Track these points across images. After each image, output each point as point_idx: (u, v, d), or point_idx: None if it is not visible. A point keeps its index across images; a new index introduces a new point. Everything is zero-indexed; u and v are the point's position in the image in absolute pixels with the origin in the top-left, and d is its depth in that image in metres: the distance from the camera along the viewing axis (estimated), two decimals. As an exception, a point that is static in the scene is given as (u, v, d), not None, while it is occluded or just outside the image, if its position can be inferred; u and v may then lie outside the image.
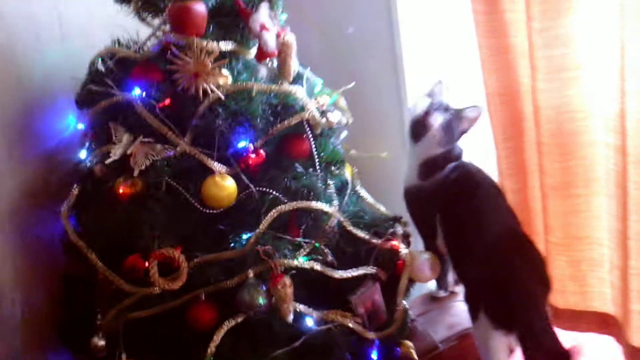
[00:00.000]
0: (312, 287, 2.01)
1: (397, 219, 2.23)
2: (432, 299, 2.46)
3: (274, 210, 1.95)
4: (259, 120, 1.96)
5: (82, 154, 2.12)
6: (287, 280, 1.89)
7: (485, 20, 2.08)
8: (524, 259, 1.99)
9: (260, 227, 1.93)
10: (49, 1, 2.24)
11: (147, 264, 1.86)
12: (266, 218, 1.94)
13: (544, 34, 1.96)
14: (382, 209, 2.32)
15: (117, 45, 2.13)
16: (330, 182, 2.13)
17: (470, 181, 2.12)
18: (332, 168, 2.15)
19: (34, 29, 2.19)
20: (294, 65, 2.09)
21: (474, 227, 2.04)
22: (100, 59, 2.11)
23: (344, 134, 2.27)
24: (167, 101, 1.95)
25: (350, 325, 2.02)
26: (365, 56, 2.63)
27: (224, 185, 1.92)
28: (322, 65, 2.47)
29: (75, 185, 2.07)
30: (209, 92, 1.90)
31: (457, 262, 2.15)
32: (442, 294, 2.45)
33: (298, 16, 2.30)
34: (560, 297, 2.21)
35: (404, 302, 2.19)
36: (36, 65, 2.20)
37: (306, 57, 2.24)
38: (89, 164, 2.07)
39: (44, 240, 2.18)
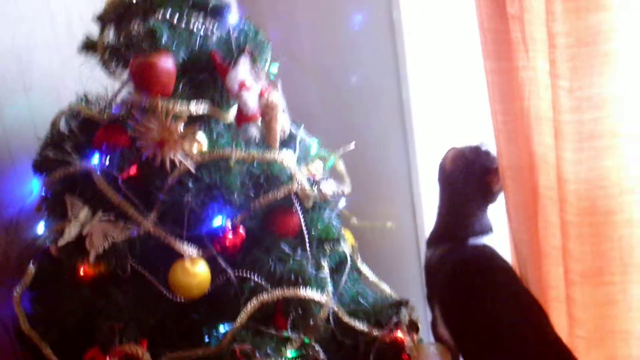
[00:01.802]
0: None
1: (402, 303, 1.94)
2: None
3: (255, 300, 1.70)
4: (236, 194, 1.70)
5: (40, 228, 1.88)
6: (269, 384, 1.62)
7: (499, 80, 1.80)
8: None
9: (239, 319, 1.69)
10: (10, 45, 2.00)
11: (107, 359, 1.63)
12: (246, 308, 1.69)
13: (574, 94, 1.67)
14: (387, 289, 2.07)
15: (83, 102, 1.90)
16: (323, 262, 1.85)
17: (479, 266, 1.87)
18: (326, 247, 1.88)
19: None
20: (284, 126, 1.84)
21: (486, 325, 1.80)
22: (63, 118, 1.86)
23: (343, 202, 2.00)
24: (133, 171, 1.69)
25: None
26: (369, 110, 2.38)
27: (194, 272, 1.67)
28: (321, 120, 2.25)
29: (31, 264, 1.83)
30: (177, 162, 1.62)
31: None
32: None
33: (293, 65, 2.05)
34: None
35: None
36: (-6, 121, 1.97)
37: (302, 112, 2.01)
38: (45, 241, 1.82)
39: (2, 322, 1.94)
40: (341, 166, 2.04)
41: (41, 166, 1.83)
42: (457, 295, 1.89)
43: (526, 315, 1.83)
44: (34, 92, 2.06)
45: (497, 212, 2.04)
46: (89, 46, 1.87)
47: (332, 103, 2.43)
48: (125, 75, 1.86)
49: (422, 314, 2.18)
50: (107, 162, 1.72)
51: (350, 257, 2.00)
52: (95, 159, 1.73)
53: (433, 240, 2.05)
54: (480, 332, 1.82)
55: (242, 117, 1.72)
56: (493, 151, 1.97)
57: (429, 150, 2.27)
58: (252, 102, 1.71)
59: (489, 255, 1.91)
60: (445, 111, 2.30)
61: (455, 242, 1.95)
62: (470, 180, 1.98)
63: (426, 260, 2.06)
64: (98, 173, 1.70)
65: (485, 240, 1.95)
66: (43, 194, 1.84)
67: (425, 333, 2.10)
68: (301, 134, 1.97)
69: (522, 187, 1.90)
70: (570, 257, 1.81)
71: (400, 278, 2.04)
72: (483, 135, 2.06)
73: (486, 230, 1.96)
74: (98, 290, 1.73)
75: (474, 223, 1.96)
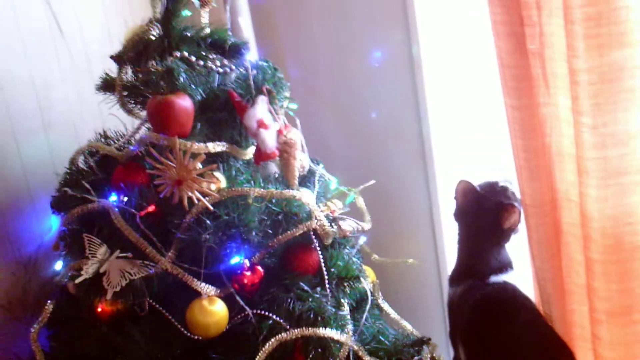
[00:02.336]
0: None
1: (424, 342, 1.89)
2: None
3: (273, 339, 1.67)
4: (255, 232, 1.68)
5: (58, 265, 1.87)
6: None
7: (519, 117, 1.78)
8: None
9: (257, 359, 1.65)
10: (27, 82, 2.00)
11: None
12: (264, 348, 1.66)
13: (598, 131, 1.64)
14: (408, 327, 2.02)
15: (102, 139, 1.89)
16: (343, 301, 1.81)
17: (503, 305, 1.82)
18: (346, 284, 1.85)
19: (10, 116, 1.96)
20: (304, 162, 1.82)
21: None
22: (82, 156, 1.86)
23: (363, 239, 1.97)
24: (151, 208, 1.68)
25: None
26: (389, 146, 2.35)
27: (212, 311, 1.65)
28: (340, 158, 2.23)
29: (49, 302, 1.82)
30: (194, 200, 1.61)
31: None
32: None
33: (312, 102, 2.03)
34: None
35: None
36: (13, 158, 1.98)
37: (321, 149, 2.01)
38: (63, 278, 1.80)
39: (19, 358, 1.92)
40: (361, 202, 2.00)
41: (59, 204, 1.83)
42: (479, 334, 1.85)
43: (551, 355, 1.79)
44: (53, 129, 2.07)
45: (520, 250, 2.00)
46: (107, 84, 1.87)
47: (352, 139, 2.41)
48: (143, 113, 1.86)
49: (445, 352, 2.14)
50: (125, 200, 1.71)
51: (371, 294, 1.96)
52: (114, 197, 1.72)
53: (455, 278, 2.02)
54: None
55: (261, 155, 1.71)
56: (516, 189, 1.93)
57: (450, 186, 2.23)
58: (270, 140, 1.69)
59: (511, 293, 1.87)
60: (466, 147, 2.27)
61: (476, 280, 1.91)
62: (482, 215, 1.94)
63: (449, 298, 2.02)
64: (116, 211, 1.69)
65: (507, 277, 1.90)
66: (61, 231, 1.82)
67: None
68: (320, 170, 1.95)
69: (545, 225, 1.86)
70: (595, 295, 1.78)
71: (422, 315, 2.01)
72: (504, 171, 2.03)
73: (505, 267, 1.91)
74: (115, 327, 1.71)
75: (490, 260, 1.92)
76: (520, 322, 1.82)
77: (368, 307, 1.92)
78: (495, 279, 1.90)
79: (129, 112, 1.86)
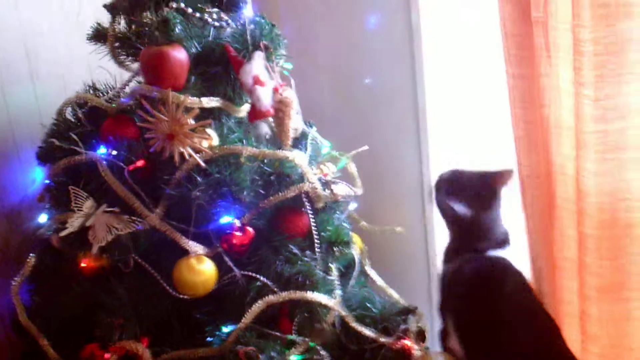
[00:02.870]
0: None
1: (410, 311, 1.88)
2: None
3: (261, 301, 1.64)
4: (246, 192, 1.64)
5: (42, 218, 1.83)
6: (273, 388, 1.57)
7: (520, 86, 1.75)
8: None
9: (244, 320, 1.63)
10: (16, 31, 1.95)
11: (106, 355, 1.59)
12: (251, 309, 1.64)
13: (600, 103, 1.62)
14: (395, 295, 2.01)
15: (91, 91, 1.84)
16: (332, 266, 1.80)
17: (492, 278, 1.79)
18: (335, 249, 1.81)
19: (-3, 65, 1.91)
20: (297, 125, 1.78)
21: (497, 339, 1.75)
22: (70, 107, 1.80)
23: (353, 205, 1.94)
24: (140, 163, 1.64)
25: None
26: (383, 112, 2.31)
27: (200, 270, 1.61)
28: (333, 121, 2.19)
29: (31, 255, 1.78)
30: (186, 156, 1.56)
31: None
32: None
33: (307, 64, 1.99)
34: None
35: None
36: (-1, 108, 1.91)
37: (314, 112, 1.97)
38: (47, 231, 1.76)
39: None
40: (353, 168, 1.98)
41: (46, 155, 1.78)
42: (471, 306, 1.84)
43: (538, 330, 1.79)
44: (40, 79, 2.02)
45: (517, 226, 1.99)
46: (99, 35, 1.82)
47: (345, 104, 2.37)
48: (134, 65, 1.82)
49: (429, 323, 2.12)
50: (114, 154, 1.67)
51: (359, 261, 1.94)
52: (102, 150, 1.68)
53: (450, 255, 1.99)
54: (491, 345, 1.77)
55: (255, 113, 1.66)
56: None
57: (443, 155, 2.21)
58: (266, 97, 1.65)
59: (503, 267, 1.85)
60: (461, 116, 2.24)
61: (474, 254, 1.88)
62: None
63: (443, 273, 2.00)
64: (104, 164, 1.65)
65: (504, 252, 1.88)
66: (46, 183, 1.78)
67: (431, 343, 2.04)
68: (313, 133, 1.92)
69: (541, 198, 1.85)
70: (586, 271, 1.76)
71: (408, 284, 1.99)
72: (499, 141, 2.00)
73: (503, 242, 1.89)
74: (99, 284, 1.68)
75: (488, 236, 1.90)
76: (509, 296, 1.81)
77: (355, 273, 1.91)
78: (492, 253, 1.87)
79: (120, 64, 1.81)
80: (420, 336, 1.87)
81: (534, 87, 1.76)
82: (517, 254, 1.93)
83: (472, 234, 1.92)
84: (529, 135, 1.80)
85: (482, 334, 1.80)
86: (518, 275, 1.86)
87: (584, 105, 1.65)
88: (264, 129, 1.89)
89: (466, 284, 1.85)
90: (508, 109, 1.84)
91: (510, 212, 1.95)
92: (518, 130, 1.82)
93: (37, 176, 1.92)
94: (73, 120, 1.81)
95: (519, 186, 1.88)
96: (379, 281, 2.01)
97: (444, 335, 1.96)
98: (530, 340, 1.77)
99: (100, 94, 1.85)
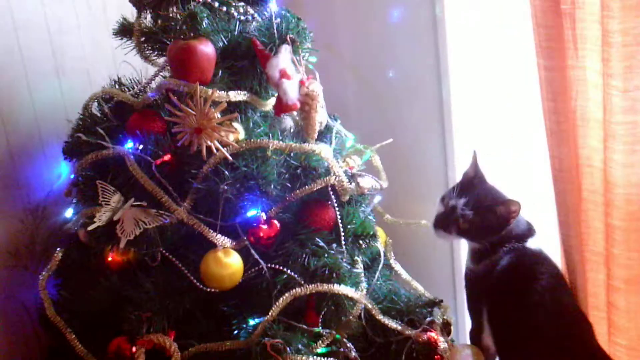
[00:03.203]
0: (331, 385, 1.70)
1: (436, 303, 1.88)
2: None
3: (287, 294, 1.65)
4: (273, 185, 1.65)
5: (69, 213, 1.84)
6: (300, 381, 1.57)
7: (551, 78, 1.74)
8: None
9: (270, 313, 1.64)
10: (41, 29, 1.95)
11: (134, 349, 1.60)
12: (278, 302, 1.64)
13: (628, 95, 1.60)
14: (420, 288, 2.01)
15: (117, 86, 1.85)
16: (358, 259, 1.79)
17: (525, 271, 1.78)
18: (361, 242, 1.82)
19: (23, 62, 1.92)
20: (321, 118, 1.77)
21: (530, 333, 1.72)
22: (96, 102, 1.82)
23: (378, 198, 1.94)
24: (167, 157, 1.64)
25: None
26: (407, 106, 2.30)
27: (227, 263, 1.62)
28: (357, 115, 2.18)
29: (58, 250, 1.78)
30: (214, 150, 1.57)
31: None
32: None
33: (330, 57, 1.98)
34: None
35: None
36: (25, 103, 1.93)
37: (338, 106, 1.97)
38: (74, 226, 1.77)
39: (25, 307, 1.93)
40: (377, 161, 1.97)
41: (72, 150, 1.79)
42: (507, 298, 1.81)
43: (572, 326, 1.77)
44: (66, 75, 2.03)
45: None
46: (124, 30, 1.82)
47: (370, 97, 2.36)
48: (160, 60, 1.82)
49: (454, 316, 2.12)
50: (141, 148, 1.67)
51: (384, 254, 1.94)
52: (129, 144, 1.68)
53: (476, 255, 1.91)
54: (524, 339, 1.75)
55: (282, 106, 1.66)
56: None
57: (467, 149, 2.19)
58: (292, 91, 1.64)
59: (539, 259, 1.83)
60: (486, 109, 2.23)
61: (509, 246, 1.84)
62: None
63: (470, 272, 1.93)
64: (132, 158, 1.65)
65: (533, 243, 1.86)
66: (73, 178, 1.79)
67: (455, 336, 2.04)
68: (337, 126, 1.91)
69: (573, 191, 1.82)
70: (614, 263, 1.75)
71: (433, 278, 1.98)
72: (527, 134, 1.99)
73: (525, 233, 1.87)
74: (126, 278, 1.69)
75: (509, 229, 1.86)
76: (545, 289, 1.77)
77: (380, 266, 1.91)
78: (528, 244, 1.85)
79: (146, 58, 1.82)
80: (446, 328, 1.87)
81: (564, 80, 1.73)
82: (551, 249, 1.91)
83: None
84: (560, 128, 1.77)
85: (516, 327, 1.78)
86: (554, 268, 1.84)
87: (612, 96, 1.63)
88: (289, 123, 1.89)
89: (503, 275, 1.81)
90: (538, 102, 1.81)
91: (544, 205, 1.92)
92: (550, 123, 1.79)
93: (63, 172, 1.93)
94: (99, 115, 1.82)
95: (552, 180, 1.85)
96: (404, 274, 2.01)
97: (474, 334, 1.94)
98: (563, 336, 1.74)
99: (126, 89, 1.85)
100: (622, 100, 1.62)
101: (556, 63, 1.73)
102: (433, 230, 1.87)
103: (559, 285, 1.81)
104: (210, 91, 1.60)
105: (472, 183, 1.85)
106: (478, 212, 1.80)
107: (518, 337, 1.77)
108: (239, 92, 1.67)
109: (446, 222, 1.84)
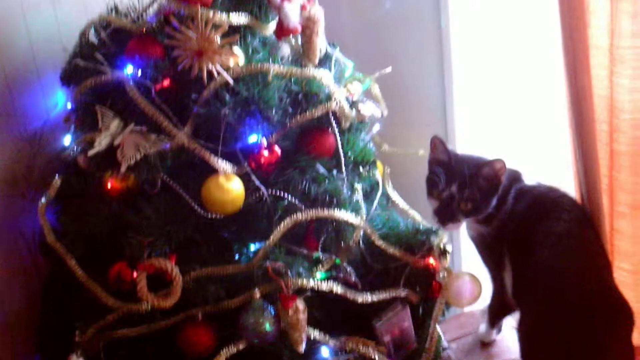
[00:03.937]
0: (330, 309, 1.73)
1: (433, 231, 1.89)
2: (481, 344, 2.15)
3: (288, 219, 1.66)
4: (274, 110, 1.63)
5: (67, 140, 1.83)
6: (300, 304, 1.61)
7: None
8: (609, 326, 1.66)
9: (271, 238, 1.65)
10: (36, -43, 1.90)
11: (134, 274, 1.60)
12: (279, 228, 1.65)
13: (638, 19, 1.58)
14: (417, 216, 2.01)
15: (113, 12, 1.82)
16: (357, 186, 1.80)
17: (548, 203, 1.80)
18: (361, 169, 1.84)
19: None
20: (321, 45, 1.77)
21: (551, 266, 1.73)
22: (93, 29, 1.79)
23: (377, 127, 1.94)
24: (166, 82, 1.63)
25: (374, 355, 1.73)
26: (406, 36, 2.28)
27: (229, 188, 1.61)
28: (355, 44, 2.17)
29: (57, 177, 1.78)
30: (215, 74, 1.56)
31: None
32: (494, 336, 2.14)
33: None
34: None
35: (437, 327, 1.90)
36: (20, 33, 1.90)
37: (336, 34, 1.93)
38: (72, 153, 1.75)
39: (23, 236, 1.92)
40: (376, 89, 1.96)
41: (71, 76, 1.77)
42: (530, 228, 1.80)
43: (589, 261, 1.75)
44: (61, 3, 1.98)
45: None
46: (122, -46, 1.79)
47: (368, 26, 2.34)
48: (158, -16, 1.79)
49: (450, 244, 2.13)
50: (140, 73, 1.65)
51: (382, 183, 1.95)
52: (128, 70, 1.66)
53: (485, 218, 1.88)
54: (543, 275, 1.75)
55: (283, 30, 1.65)
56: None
57: (466, 79, 2.19)
58: (294, 14, 1.63)
59: (559, 193, 1.83)
60: (485, 42, 2.21)
61: (512, 192, 1.84)
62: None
63: (484, 235, 1.92)
64: (131, 82, 1.63)
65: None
66: (72, 105, 1.78)
67: (451, 264, 2.06)
68: (337, 54, 1.90)
69: (587, 118, 1.80)
70: (619, 188, 1.75)
71: (429, 208, 1.96)
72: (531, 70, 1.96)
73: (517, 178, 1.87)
74: (126, 204, 1.68)
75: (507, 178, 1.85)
76: (567, 222, 1.76)
77: (379, 194, 1.92)
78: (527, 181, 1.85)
79: (144, -17, 1.79)
80: (444, 255, 1.89)
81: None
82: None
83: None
84: (575, 55, 1.72)
85: (540, 262, 1.75)
86: (574, 201, 1.83)
87: (621, 20, 1.62)
88: (286, 50, 1.87)
89: (526, 208, 1.81)
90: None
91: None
92: (566, 47, 1.73)
93: (59, 100, 1.92)
94: (96, 42, 1.79)
95: (567, 112, 1.83)
96: (402, 203, 2.02)
97: (496, 301, 1.99)
98: (582, 273, 1.72)
99: (123, 17, 1.82)
100: (631, 24, 1.61)
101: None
102: (441, 226, 1.86)
103: (583, 218, 1.79)
104: (211, 13, 1.58)
105: (452, 166, 1.82)
106: (471, 186, 1.79)
107: (539, 277, 1.76)
108: (240, 14, 1.65)
109: (450, 213, 1.83)
